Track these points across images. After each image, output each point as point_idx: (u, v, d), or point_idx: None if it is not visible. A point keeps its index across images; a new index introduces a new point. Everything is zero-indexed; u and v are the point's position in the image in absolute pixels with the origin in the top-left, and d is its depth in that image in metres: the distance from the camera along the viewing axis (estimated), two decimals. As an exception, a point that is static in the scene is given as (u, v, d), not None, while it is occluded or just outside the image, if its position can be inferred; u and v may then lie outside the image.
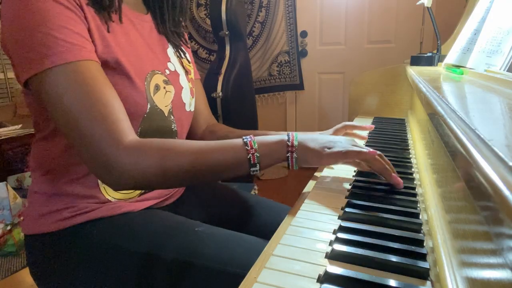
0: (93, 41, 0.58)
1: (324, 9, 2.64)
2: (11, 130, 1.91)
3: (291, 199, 0.58)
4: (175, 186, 0.67)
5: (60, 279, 0.64)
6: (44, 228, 0.64)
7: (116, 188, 0.59)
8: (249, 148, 0.56)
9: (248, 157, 0.56)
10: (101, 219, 0.64)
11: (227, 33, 2.23)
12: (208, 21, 2.82)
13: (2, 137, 1.86)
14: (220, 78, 2.19)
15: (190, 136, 0.89)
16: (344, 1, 2.56)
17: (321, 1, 2.62)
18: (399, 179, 0.59)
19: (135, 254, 0.60)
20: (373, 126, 0.96)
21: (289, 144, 0.58)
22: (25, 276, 0.72)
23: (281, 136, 0.59)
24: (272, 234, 0.49)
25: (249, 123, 2.49)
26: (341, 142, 0.60)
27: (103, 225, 0.63)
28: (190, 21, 2.90)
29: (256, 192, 2.26)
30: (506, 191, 0.19)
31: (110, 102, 0.55)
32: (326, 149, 0.58)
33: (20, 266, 1.54)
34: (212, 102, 2.17)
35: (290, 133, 0.60)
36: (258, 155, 0.56)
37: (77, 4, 0.56)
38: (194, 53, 2.95)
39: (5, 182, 1.73)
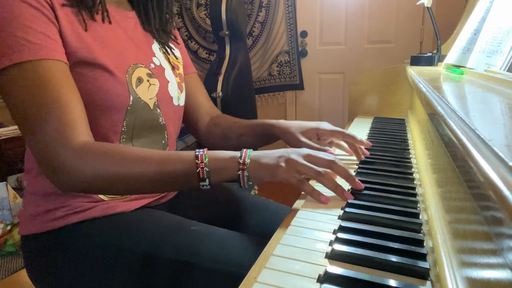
0: (65, 39, 0.59)
1: (324, 9, 2.63)
2: (11, 130, 1.91)
3: (291, 199, 0.59)
4: (123, 193, 0.66)
5: (56, 279, 0.64)
6: (39, 228, 0.64)
7: (63, 190, 0.58)
8: (199, 162, 0.55)
9: (197, 171, 0.55)
10: (96, 219, 0.64)
11: (227, 33, 2.23)
12: (208, 21, 2.82)
13: (2, 137, 1.86)
14: (220, 78, 2.19)
15: (195, 131, 0.89)
16: (344, 1, 2.56)
17: (321, 1, 2.62)
18: (349, 194, 0.56)
19: (132, 253, 0.60)
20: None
21: (241, 161, 0.56)
22: (25, 276, 0.71)
23: (235, 152, 0.57)
24: (271, 234, 0.49)
25: (249, 123, 2.49)
26: (294, 157, 0.56)
27: (99, 225, 0.63)
28: (190, 21, 2.90)
29: (256, 192, 2.26)
30: (506, 191, 0.19)
31: (64, 103, 0.55)
32: (281, 164, 0.55)
33: (20, 266, 1.54)
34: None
35: (244, 150, 0.57)
36: (207, 169, 0.55)
37: (47, 3, 0.57)
38: (194, 53, 2.95)
39: (5, 182, 1.73)
